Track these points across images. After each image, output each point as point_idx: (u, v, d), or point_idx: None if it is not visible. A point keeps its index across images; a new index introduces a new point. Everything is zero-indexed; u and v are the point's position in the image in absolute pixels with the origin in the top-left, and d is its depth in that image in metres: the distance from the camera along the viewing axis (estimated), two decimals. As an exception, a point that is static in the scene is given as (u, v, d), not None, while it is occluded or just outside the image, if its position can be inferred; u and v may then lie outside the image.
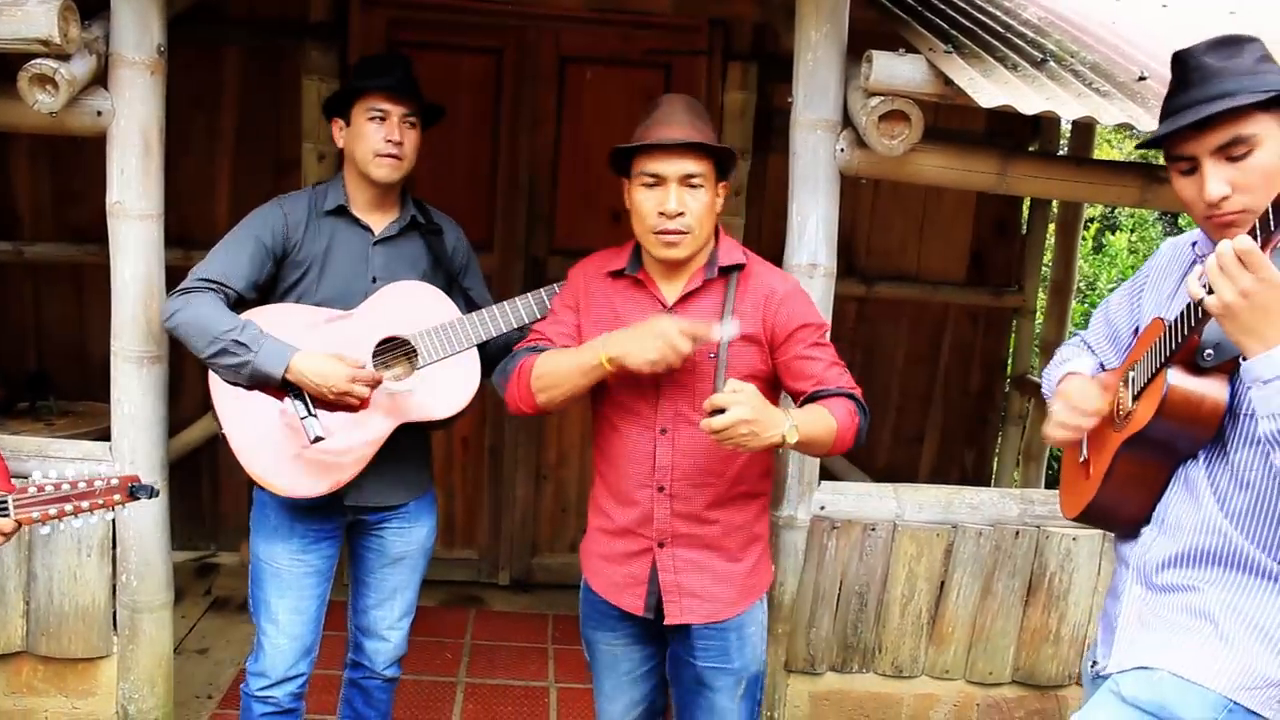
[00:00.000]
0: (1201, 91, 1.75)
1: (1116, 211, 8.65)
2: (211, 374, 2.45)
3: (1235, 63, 1.75)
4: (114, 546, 2.82)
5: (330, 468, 2.45)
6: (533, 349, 2.35)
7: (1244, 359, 1.60)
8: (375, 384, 2.45)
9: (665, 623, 2.32)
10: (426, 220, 2.67)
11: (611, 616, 2.41)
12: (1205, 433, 1.81)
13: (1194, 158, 1.77)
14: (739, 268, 2.29)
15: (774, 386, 2.32)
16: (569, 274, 2.44)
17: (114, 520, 2.78)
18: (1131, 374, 1.93)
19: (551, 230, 4.35)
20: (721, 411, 2.02)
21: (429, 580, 2.85)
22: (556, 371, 2.24)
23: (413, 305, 2.53)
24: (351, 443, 2.47)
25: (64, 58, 2.49)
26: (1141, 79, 2.68)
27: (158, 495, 2.40)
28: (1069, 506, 2.13)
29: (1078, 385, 2.05)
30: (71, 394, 4.28)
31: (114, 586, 2.85)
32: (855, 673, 3.12)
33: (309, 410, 2.41)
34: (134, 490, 2.18)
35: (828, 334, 2.34)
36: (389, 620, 2.76)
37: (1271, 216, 1.53)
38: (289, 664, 2.62)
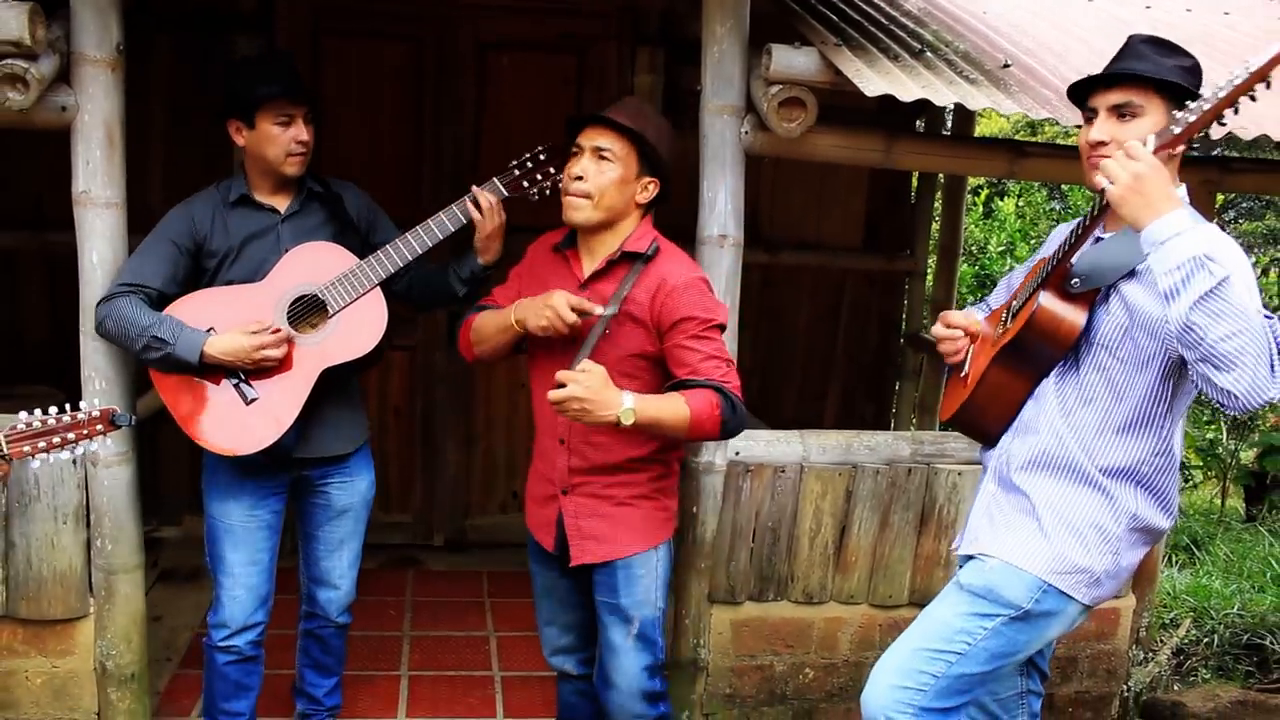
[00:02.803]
0: (1123, 63, 2.17)
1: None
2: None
3: (1160, 59, 2.15)
4: (88, 513, 2.98)
5: (271, 420, 2.70)
6: (480, 308, 2.69)
7: (1139, 231, 1.97)
8: (285, 341, 2.68)
9: (570, 564, 2.60)
10: (325, 189, 2.87)
11: (541, 548, 2.70)
12: (1060, 350, 2.21)
13: (1096, 109, 2.17)
14: (643, 256, 2.50)
15: (666, 368, 2.53)
16: (528, 248, 2.75)
17: (88, 489, 2.96)
18: (1014, 304, 2.32)
19: (475, 209, 4.56)
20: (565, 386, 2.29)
21: (368, 545, 3.10)
22: (484, 328, 2.62)
23: (314, 262, 2.74)
24: (285, 393, 2.71)
25: (32, 57, 2.64)
26: (1005, 66, 3.01)
27: (134, 423, 2.59)
28: (945, 410, 2.52)
29: (956, 311, 2.46)
30: (6, 380, 4.37)
31: (89, 551, 3.01)
32: (771, 601, 3.37)
33: (241, 378, 2.67)
34: (114, 419, 2.38)
35: (718, 328, 2.48)
36: (339, 569, 3.01)
37: (1173, 121, 1.97)
38: (247, 613, 2.85)
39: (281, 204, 2.82)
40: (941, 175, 5.44)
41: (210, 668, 2.91)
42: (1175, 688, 4.06)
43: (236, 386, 2.68)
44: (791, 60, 2.88)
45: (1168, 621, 4.56)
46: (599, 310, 2.43)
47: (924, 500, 3.38)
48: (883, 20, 3.36)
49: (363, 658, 3.71)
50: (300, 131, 2.72)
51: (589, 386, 2.27)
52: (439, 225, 2.78)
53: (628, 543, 2.59)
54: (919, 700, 2.22)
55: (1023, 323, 2.20)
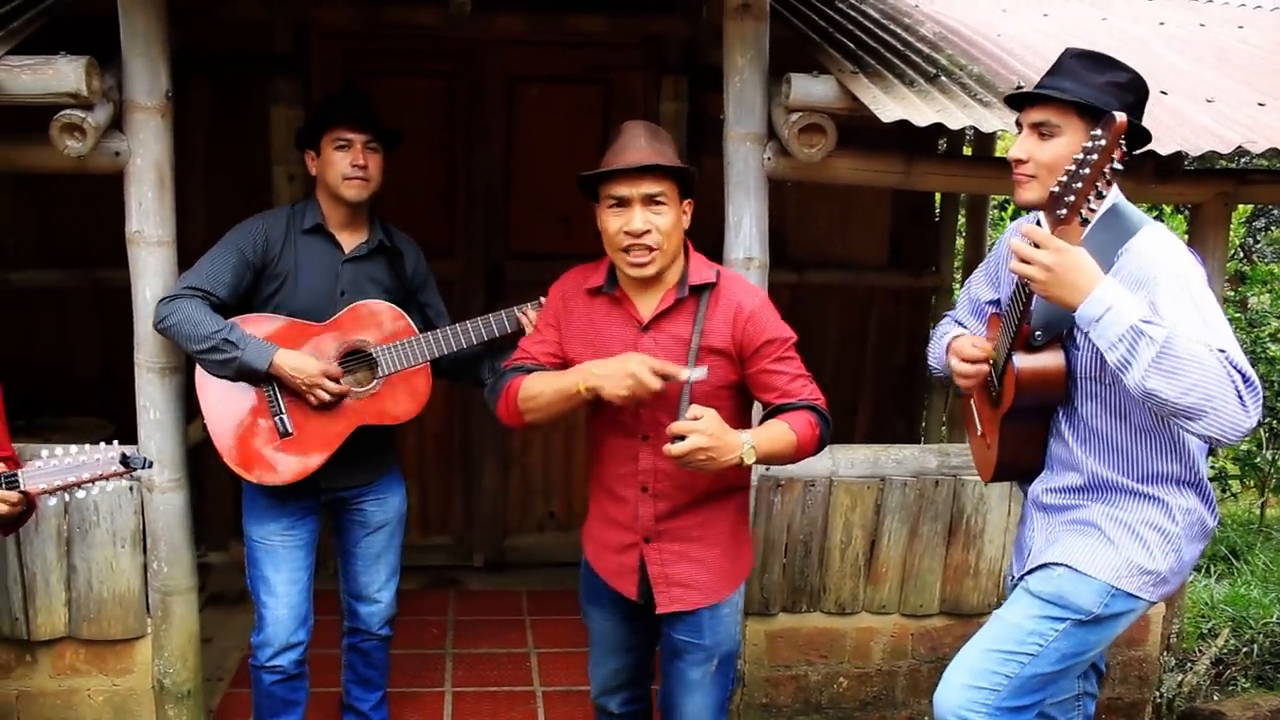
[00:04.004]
0: (1049, 81, 2.21)
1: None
2: (198, 378, 2.80)
3: (1088, 75, 2.17)
4: (145, 538, 3.11)
5: (299, 458, 2.83)
6: (519, 369, 2.52)
7: (1073, 312, 2.02)
8: (338, 379, 2.81)
9: (657, 611, 2.50)
10: (391, 243, 3.02)
11: (606, 595, 2.60)
12: (1058, 391, 2.27)
13: (1022, 125, 2.24)
14: (709, 286, 2.43)
15: (745, 393, 2.50)
16: (549, 291, 2.63)
17: (144, 514, 3.09)
18: (995, 359, 2.37)
19: (508, 236, 4.64)
20: (683, 438, 2.22)
21: (410, 566, 3.22)
22: (541, 395, 2.42)
23: (375, 321, 2.90)
24: (319, 437, 2.84)
25: (89, 107, 2.79)
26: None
27: (151, 466, 2.62)
28: (983, 474, 2.56)
29: (965, 341, 2.47)
30: (58, 412, 4.47)
31: (146, 574, 3.15)
32: (804, 612, 3.44)
33: (283, 412, 2.78)
34: (129, 461, 2.43)
35: (793, 345, 2.48)
36: (378, 583, 3.12)
37: (1054, 205, 2.00)
38: (290, 631, 2.95)
39: (349, 242, 2.96)
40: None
41: (257, 687, 3.02)
42: (1215, 697, 4.07)
43: (276, 418, 2.79)
44: (810, 89, 2.98)
45: (1206, 631, 4.55)
46: (684, 375, 2.31)
47: (952, 511, 3.44)
48: (899, 46, 3.45)
49: (407, 675, 3.81)
50: (358, 156, 2.86)
51: (711, 434, 2.23)
52: (498, 323, 2.93)
53: (718, 588, 2.52)
54: (993, 700, 2.25)
55: (1012, 389, 2.26)
